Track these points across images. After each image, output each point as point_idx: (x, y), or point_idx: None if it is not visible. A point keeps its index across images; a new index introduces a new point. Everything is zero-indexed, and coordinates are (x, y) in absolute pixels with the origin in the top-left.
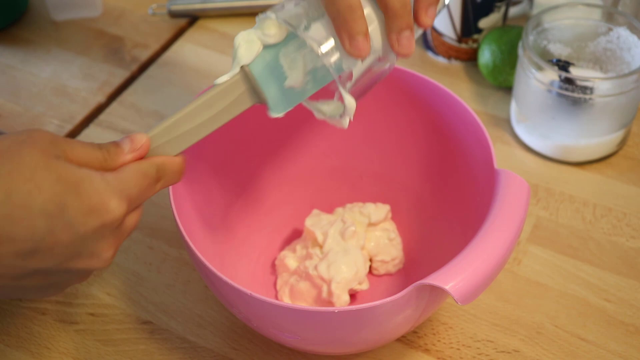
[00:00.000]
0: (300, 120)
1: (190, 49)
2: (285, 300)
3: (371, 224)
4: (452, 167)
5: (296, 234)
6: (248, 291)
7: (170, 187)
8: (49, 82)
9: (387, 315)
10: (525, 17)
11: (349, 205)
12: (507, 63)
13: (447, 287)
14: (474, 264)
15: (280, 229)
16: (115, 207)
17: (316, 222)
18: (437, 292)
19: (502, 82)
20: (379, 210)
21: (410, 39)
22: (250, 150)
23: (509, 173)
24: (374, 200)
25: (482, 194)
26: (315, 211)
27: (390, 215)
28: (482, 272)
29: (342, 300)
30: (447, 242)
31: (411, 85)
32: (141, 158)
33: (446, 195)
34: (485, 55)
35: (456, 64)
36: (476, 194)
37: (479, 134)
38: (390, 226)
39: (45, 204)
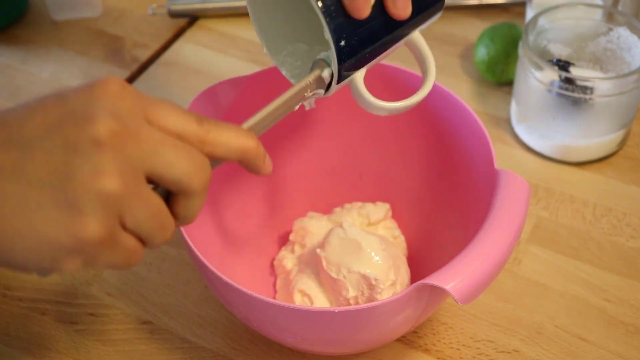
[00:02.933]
0: (299, 119)
1: (190, 49)
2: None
3: (371, 224)
4: (452, 167)
5: None
6: (248, 291)
7: None
8: (49, 82)
9: (387, 315)
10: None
11: (347, 206)
12: (502, 54)
13: (447, 287)
14: (474, 264)
15: (279, 228)
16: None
17: (311, 230)
18: (437, 292)
19: (499, 76)
20: (378, 210)
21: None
22: None
23: (510, 173)
24: (374, 199)
25: (483, 194)
26: (310, 214)
27: (390, 213)
28: (482, 272)
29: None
30: (448, 242)
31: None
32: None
33: (447, 195)
34: (481, 51)
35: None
36: (476, 194)
37: (479, 134)
38: (392, 224)
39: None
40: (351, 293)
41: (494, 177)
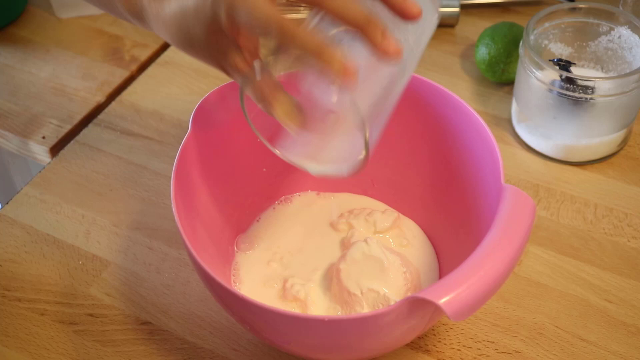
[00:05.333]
0: None
1: None
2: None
3: (377, 232)
4: (461, 178)
5: None
6: (239, 292)
7: (172, 187)
8: (48, 82)
9: (379, 326)
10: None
11: (355, 211)
12: (503, 53)
13: (439, 302)
14: (470, 281)
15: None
16: None
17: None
18: (431, 306)
19: (500, 76)
20: (386, 218)
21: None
22: (258, 152)
23: (516, 190)
24: (385, 206)
25: (489, 207)
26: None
27: (399, 222)
28: (478, 289)
29: None
30: (456, 253)
31: (427, 94)
32: None
33: (455, 206)
34: (481, 51)
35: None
36: (482, 207)
37: (491, 149)
38: (402, 232)
39: None
40: (365, 309)
41: (500, 192)
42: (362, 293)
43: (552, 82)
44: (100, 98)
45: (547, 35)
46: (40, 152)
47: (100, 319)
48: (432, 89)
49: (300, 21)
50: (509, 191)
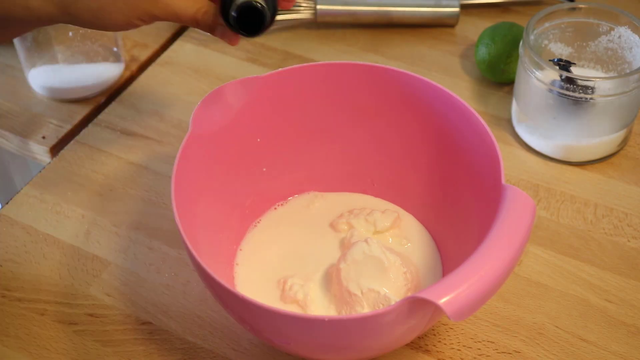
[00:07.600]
0: (312, 125)
1: (190, 49)
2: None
3: (377, 232)
4: (461, 179)
5: None
6: (239, 292)
7: (173, 187)
8: None
9: (379, 326)
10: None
11: (355, 211)
12: (503, 53)
13: (439, 302)
14: (470, 281)
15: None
16: None
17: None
18: (431, 306)
19: (500, 76)
20: (386, 218)
21: None
22: (259, 153)
23: (516, 190)
24: (385, 206)
25: (488, 207)
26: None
27: (399, 222)
28: (478, 289)
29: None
30: (456, 252)
31: (427, 94)
32: None
33: (455, 206)
34: (481, 51)
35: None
36: (484, 208)
37: (491, 150)
38: (402, 232)
39: None
40: (365, 309)
41: (500, 192)
42: (362, 293)
43: (552, 82)
44: (100, 98)
45: (547, 35)
46: (40, 152)
47: (100, 319)
48: (432, 89)
49: None
50: (509, 191)
